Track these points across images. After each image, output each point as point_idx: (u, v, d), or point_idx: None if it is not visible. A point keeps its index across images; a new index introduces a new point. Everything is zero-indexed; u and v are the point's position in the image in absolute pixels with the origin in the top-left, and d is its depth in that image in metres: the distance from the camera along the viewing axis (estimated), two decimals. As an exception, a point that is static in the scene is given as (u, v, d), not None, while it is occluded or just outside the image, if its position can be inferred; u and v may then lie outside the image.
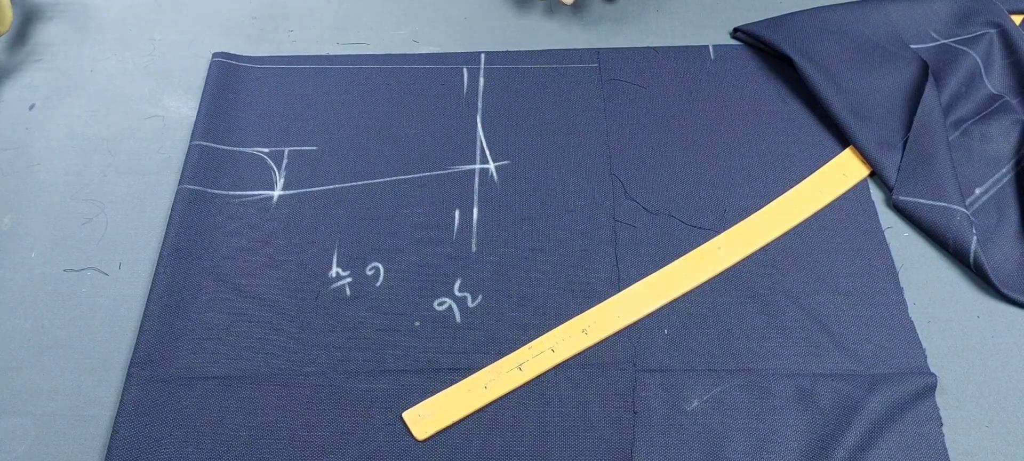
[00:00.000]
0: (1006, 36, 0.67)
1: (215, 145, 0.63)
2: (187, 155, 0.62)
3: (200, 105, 0.66)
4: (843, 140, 0.64)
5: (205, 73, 0.68)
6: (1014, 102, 0.64)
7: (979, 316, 0.54)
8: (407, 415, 0.50)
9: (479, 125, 0.65)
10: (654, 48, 0.71)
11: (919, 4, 0.70)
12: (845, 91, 0.65)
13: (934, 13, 0.70)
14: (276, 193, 0.61)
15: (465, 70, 0.69)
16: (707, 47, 0.71)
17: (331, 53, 0.70)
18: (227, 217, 0.59)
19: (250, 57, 0.69)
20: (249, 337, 0.53)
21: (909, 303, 0.55)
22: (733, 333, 0.54)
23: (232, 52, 0.70)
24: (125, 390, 0.51)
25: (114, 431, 0.49)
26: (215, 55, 0.69)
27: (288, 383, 0.51)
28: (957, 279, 0.56)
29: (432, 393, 0.51)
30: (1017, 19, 0.70)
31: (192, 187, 0.60)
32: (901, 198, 0.59)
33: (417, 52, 0.70)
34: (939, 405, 0.50)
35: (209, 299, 0.55)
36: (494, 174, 0.62)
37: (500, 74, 0.69)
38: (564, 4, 0.72)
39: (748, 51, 0.70)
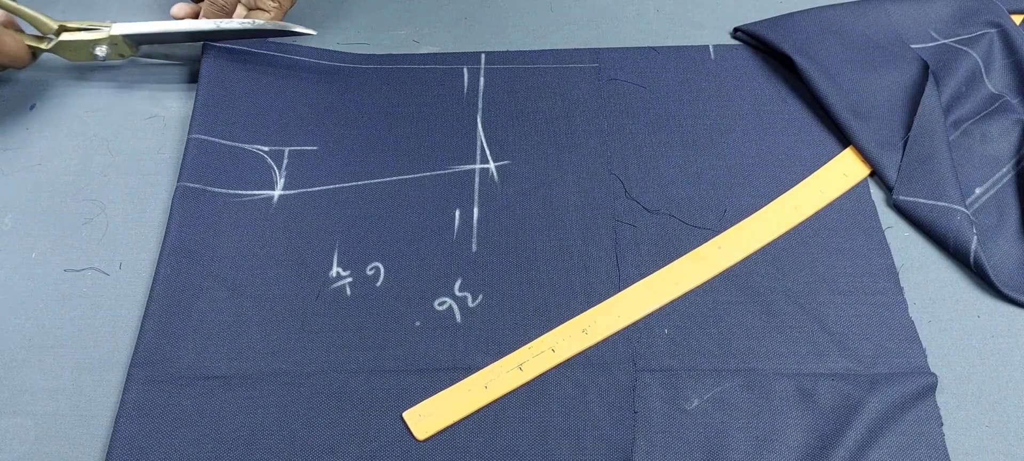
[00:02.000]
0: (1006, 36, 0.67)
1: (214, 139, 0.63)
2: (186, 150, 0.62)
3: (197, 95, 0.65)
4: (843, 140, 0.64)
5: (201, 65, 0.68)
6: (1014, 102, 0.64)
7: (979, 316, 0.54)
8: (407, 415, 0.50)
9: (479, 125, 0.65)
10: (654, 48, 0.71)
11: (919, 4, 0.70)
12: (845, 91, 0.65)
13: (934, 13, 0.70)
14: (276, 193, 0.61)
15: (465, 70, 0.69)
16: (707, 47, 0.71)
17: (331, 52, 0.70)
18: (227, 217, 0.59)
19: (246, 51, 0.69)
20: (249, 337, 0.53)
21: (909, 303, 0.55)
22: (733, 333, 0.54)
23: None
24: (125, 390, 0.51)
25: (114, 431, 0.49)
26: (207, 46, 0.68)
27: (289, 383, 0.51)
28: (957, 279, 0.56)
29: (432, 393, 0.51)
30: (1017, 19, 0.70)
31: (191, 185, 0.60)
32: (901, 198, 0.59)
33: (417, 52, 0.70)
34: (939, 405, 0.50)
35: (210, 299, 0.55)
36: (494, 174, 0.62)
37: (500, 74, 0.69)
38: None
39: (748, 51, 0.71)
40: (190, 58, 0.70)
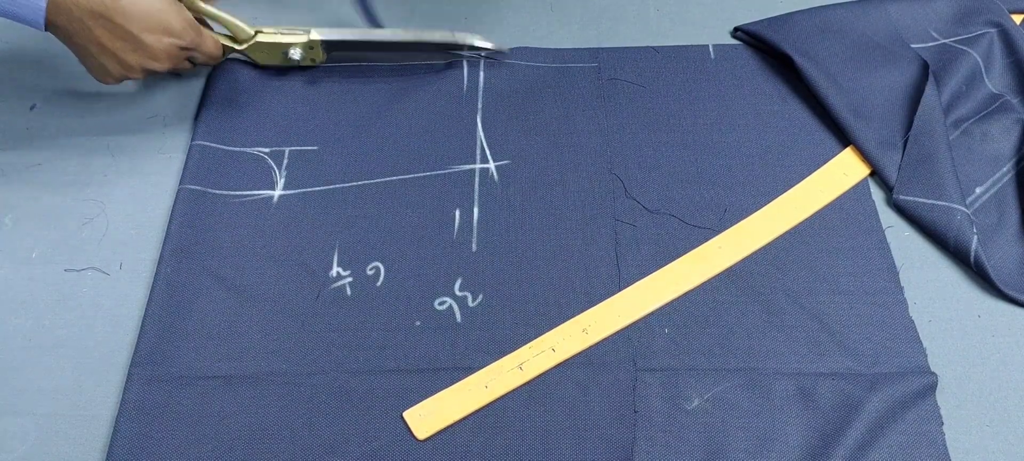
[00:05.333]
0: (1006, 36, 0.67)
1: (216, 145, 0.63)
2: (188, 155, 0.62)
3: (201, 105, 0.66)
4: (843, 139, 0.64)
5: (206, 73, 0.68)
6: (1014, 101, 0.64)
7: (979, 315, 0.54)
8: (408, 415, 0.50)
9: (479, 125, 0.65)
10: (654, 48, 0.71)
11: (919, 4, 0.70)
12: (845, 90, 0.65)
13: (934, 13, 0.70)
14: (277, 193, 0.61)
15: (464, 62, 0.69)
16: (707, 47, 0.71)
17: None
18: (228, 217, 0.59)
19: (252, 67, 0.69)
20: (250, 337, 0.53)
21: (909, 302, 0.55)
22: (733, 332, 0.54)
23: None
24: (126, 390, 0.51)
25: (115, 431, 0.49)
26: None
27: (289, 383, 0.51)
28: (957, 278, 0.56)
29: (433, 393, 0.51)
30: (1017, 19, 0.70)
31: (193, 187, 0.60)
32: (901, 197, 0.59)
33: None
34: (940, 404, 0.50)
35: (210, 299, 0.55)
36: (494, 174, 0.62)
37: (500, 71, 0.69)
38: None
39: (748, 51, 0.71)
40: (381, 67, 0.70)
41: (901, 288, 0.55)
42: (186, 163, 0.62)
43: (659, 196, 0.61)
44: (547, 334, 0.54)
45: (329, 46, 0.67)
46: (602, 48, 0.70)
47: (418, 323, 0.54)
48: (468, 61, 0.69)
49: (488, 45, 0.68)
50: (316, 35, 0.66)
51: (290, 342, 0.53)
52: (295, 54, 0.66)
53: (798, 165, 0.62)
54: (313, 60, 0.67)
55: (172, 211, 0.59)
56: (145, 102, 0.67)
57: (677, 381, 0.51)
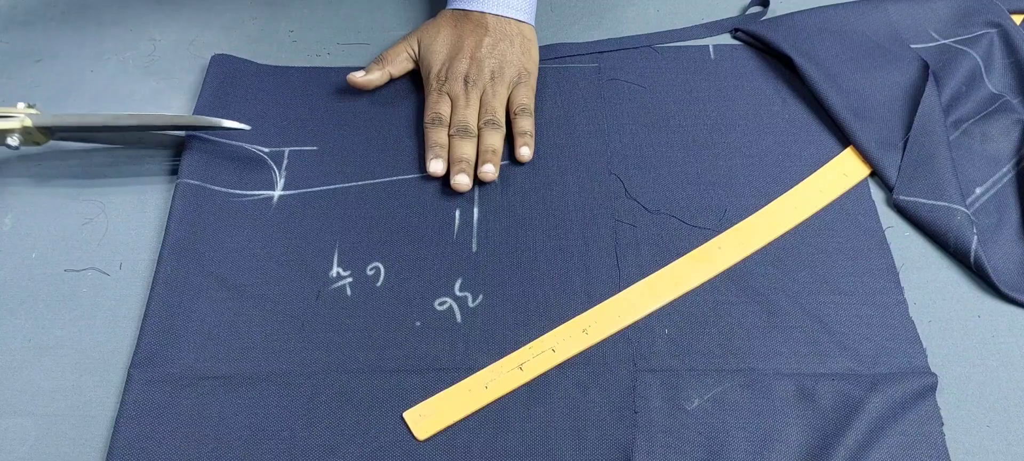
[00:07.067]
0: (1006, 36, 0.67)
1: (215, 138, 0.63)
2: (185, 150, 0.62)
3: (198, 101, 0.65)
4: (843, 140, 0.64)
5: (205, 73, 0.68)
6: (1014, 102, 0.64)
7: (980, 316, 0.54)
8: (408, 415, 0.50)
9: (479, 125, 0.65)
10: (654, 48, 0.71)
11: (919, 4, 0.70)
12: (845, 91, 0.65)
13: (934, 13, 0.70)
14: (276, 193, 0.61)
15: None
16: (707, 47, 0.71)
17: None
18: (228, 217, 0.59)
19: (251, 62, 0.69)
20: (250, 337, 0.53)
21: (909, 303, 0.55)
22: (734, 333, 0.54)
23: (232, 54, 0.69)
24: (126, 390, 0.51)
25: (115, 431, 0.49)
26: (215, 57, 0.69)
27: (289, 383, 0.51)
28: (957, 279, 0.56)
29: (433, 393, 0.51)
30: (1017, 19, 0.70)
31: (191, 181, 0.60)
32: (901, 198, 0.59)
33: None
34: (940, 404, 0.50)
35: (210, 299, 0.55)
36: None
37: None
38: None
39: (748, 51, 0.71)
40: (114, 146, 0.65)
41: (901, 288, 0.55)
42: (183, 157, 0.61)
43: (659, 196, 0.61)
44: (547, 334, 0.54)
45: (48, 131, 0.60)
46: (602, 48, 0.70)
47: (418, 323, 0.54)
48: None
49: (227, 124, 0.60)
50: (30, 120, 0.59)
51: (290, 342, 0.53)
52: (13, 141, 0.59)
53: (798, 165, 0.62)
54: (36, 142, 0.61)
55: (171, 207, 0.59)
56: (145, 102, 0.67)
57: (677, 381, 0.51)
